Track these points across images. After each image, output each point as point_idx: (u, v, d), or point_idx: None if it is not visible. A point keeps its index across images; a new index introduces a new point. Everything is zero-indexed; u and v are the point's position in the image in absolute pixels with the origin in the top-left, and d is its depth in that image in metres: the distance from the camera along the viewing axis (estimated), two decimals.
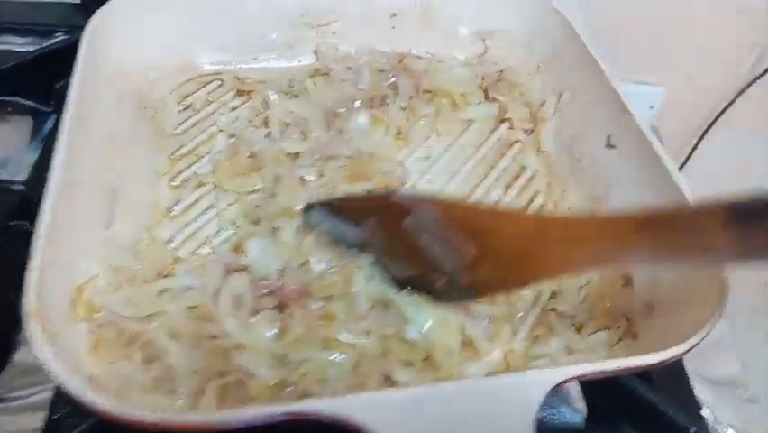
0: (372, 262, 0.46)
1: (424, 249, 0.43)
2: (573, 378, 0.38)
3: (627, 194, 0.54)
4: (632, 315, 0.49)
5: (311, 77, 0.66)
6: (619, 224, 0.39)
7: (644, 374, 0.50)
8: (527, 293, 0.50)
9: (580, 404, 0.50)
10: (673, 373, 0.52)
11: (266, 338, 0.44)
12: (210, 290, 0.47)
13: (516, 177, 0.60)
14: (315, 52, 0.69)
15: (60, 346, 0.37)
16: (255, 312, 0.46)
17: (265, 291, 0.47)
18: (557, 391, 0.40)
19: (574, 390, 0.51)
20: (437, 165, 0.61)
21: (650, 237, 0.37)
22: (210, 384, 0.41)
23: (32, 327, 0.37)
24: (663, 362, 0.40)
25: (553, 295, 0.51)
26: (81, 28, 0.73)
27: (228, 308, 0.46)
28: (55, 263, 0.42)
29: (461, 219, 0.43)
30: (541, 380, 0.36)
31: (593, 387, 0.50)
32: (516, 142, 0.63)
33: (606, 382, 0.46)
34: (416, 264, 0.44)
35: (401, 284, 0.45)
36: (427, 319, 0.45)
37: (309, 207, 0.50)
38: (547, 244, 0.41)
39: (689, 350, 0.40)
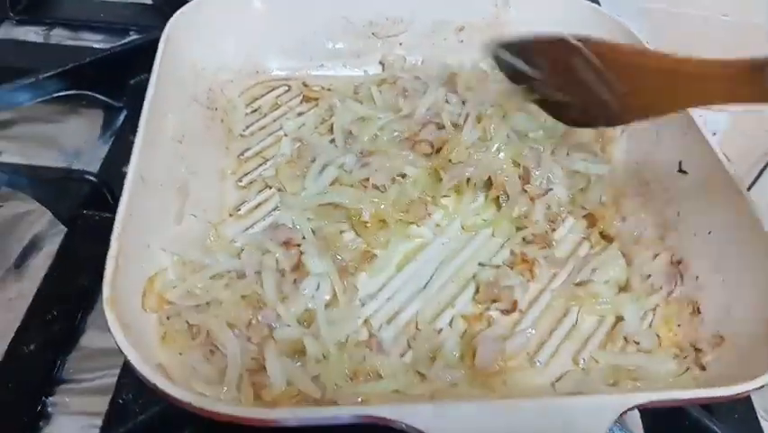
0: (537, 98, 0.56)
1: (587, 82, 0.51)
2: (643, 405, 0.37)
3: (698, 220, 0.53)
4: (700, 345, 0.47)
5: (377, 85, 0.66)
6: (740, 66, 0.44)
7: (708, 406, 0.48)
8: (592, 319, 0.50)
9: (638, 432, 0.49)
10: (740, 407, 0.50)
11: None
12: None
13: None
14: (381, 62, 0.69)
15: (134, 334, 0.38)
16: None
17: None
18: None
19: (632, 417, 0.49)
20: None
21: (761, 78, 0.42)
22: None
23: (109, 315, 0.38)
24: (735, 396, 0.39)
25: (619, 319, 0.50)
26: (153, 28, 0.76)
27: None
28: (130, 255, 0.43)
29: (617, 58, 0.50)
30: (611, 404, 0.35)
31: (652, 416, 0.49)
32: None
33: (669, 411, 0.45)
34: (578, 96, 0.53)
35: (561, 109, 0.56)
36: None
37: (498, 46, 0.56)
38: (682, 78, 0.47)
39: (762, 386, 0.39)
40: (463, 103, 0.62)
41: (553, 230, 0.57)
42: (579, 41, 0.51)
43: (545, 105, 0.57)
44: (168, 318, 0.44)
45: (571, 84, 0.53)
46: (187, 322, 0.45)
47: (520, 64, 0.55)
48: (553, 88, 0.55)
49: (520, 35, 0.57)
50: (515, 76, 0.56)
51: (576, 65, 0.51)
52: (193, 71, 0.61)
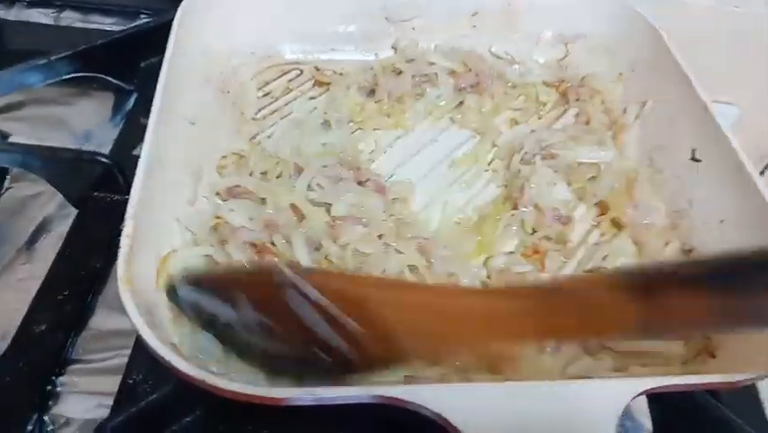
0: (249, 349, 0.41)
1: (309, 328, 0.38)
2: (657, 388, 0.37)
3: (710, 209, 0.53)
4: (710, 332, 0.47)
5: (392, 71, 0.66)
6: (515, 302, 0.37)
7: (714, 392, 0.48)
8: None
9: (646, 419, 0.49)
10: (746, 393, 0.50)
11: None
12: None
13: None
14: (394, 47, 0.69)
15: (147, 313, 0.38)
16: None
17: None
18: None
19: (640, 404, 0.50)
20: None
21: (547, 316, 0.36)
22: None
23: (124, 293, 0.38)
24: (744, 381, 0.39)
25: None
26: (164, 11, 0.76)
27: None
28: (143, 235, 0.43)
29: (346, 291, 0.40)
30: (625, 387, 0.36)
31: (659, 402, 0.49)
32: None
33: (676, 397, 0.45)
34: (301, 345, 0.40)
35: (284, 367, 0.41)
36: None
37: (177, 284, 0.43)
38: (445, 316, 0.38)
39: None
40: None
41: (564, 224, 0.55)
42: (292, 271, 0.39)
43: (253, 355, 0.41)
44: None
45: (284, 329, 0.39)
46: None
47: (207, 303, 0.41)
48: (258, 335, 0.40)
49: (205, 269, 0.46)
50: (202, 320, 0.42)
51: (290, 302, 0.38)
52: (205, 54, 0.61)
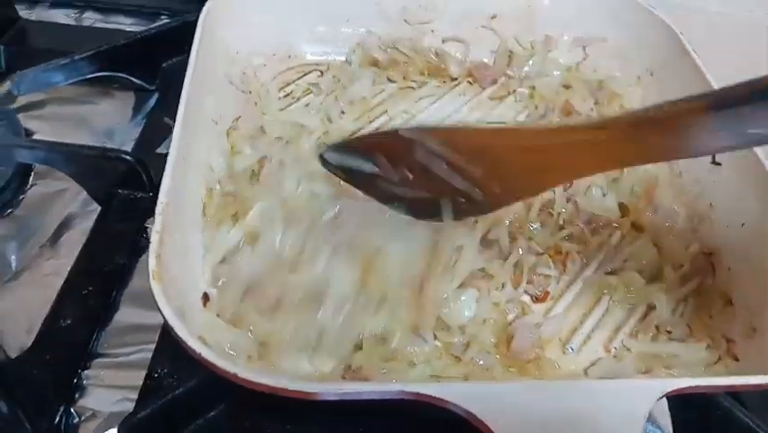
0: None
1: (435, 174, 0.45)
2: (685, 389, 0.37)
3: (732, 211, 0.53)
4: (733, 336, 0.47)
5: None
6: (612, 128, 0.39)
7: (737, 396, 0.48)
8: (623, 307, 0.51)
9: (666, 422, 0.49)
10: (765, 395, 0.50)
11: None
12: None
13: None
14: (412, 49, 0.70)
15: (175, 306, 0.39)
16: None
17: None
18: None
19: (661, 407, 0.50)
20: None
21: (641, 139, 0.38)
22: None
23: (155, 287, 0.38)
24: None
25: (650, 308, 0.50)
26: (184, 12, 0.77)
27: None
28: (171, 230, 0.43)
29: (465, 142, 0.45)
30: (652, 387, 0.36)
31: (680, 405, 0.49)
32: None
33: (697, 400, 0.45)
34: (431, 189, 0.47)
35: (418, 210, 0.48)
36: None
37: (325, 150, 0.50)
38: (548, 153, 0.42)
39: None
40: None
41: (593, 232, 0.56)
42: (416, 130, 0.45)
43: (393, 202, 0.49)
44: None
45: (417, 177, 0.46)
46: None
47: (352, 161, 0.48)
48: (397, 184, 0.47)
49: (347, 138, 0.53)
50: (351, 176, 0.50)
51: (419, 156, 0.45)
52: (227, 54, 0.61)
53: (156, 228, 0.41)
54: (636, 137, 0.38)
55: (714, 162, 0.55)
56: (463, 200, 0.46)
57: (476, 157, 0.44)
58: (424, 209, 0.48)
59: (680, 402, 0.48)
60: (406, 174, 0.46)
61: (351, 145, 0.49)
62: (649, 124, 0.37)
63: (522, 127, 0.49)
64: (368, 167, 0.47)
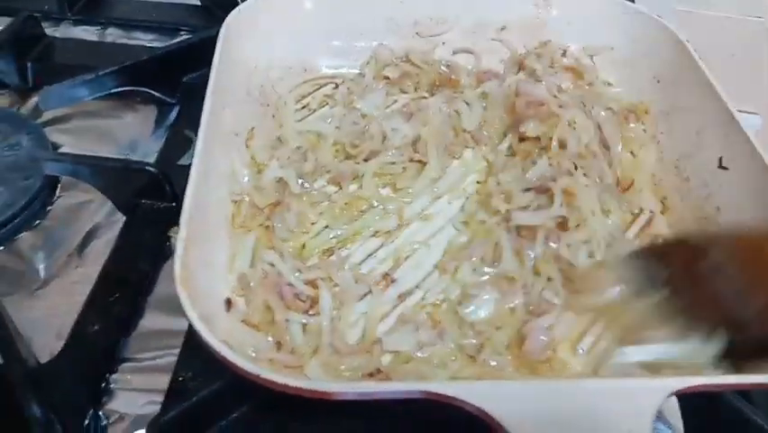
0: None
1: (719, 293, 0.39)
2: (690, 388, 0.38)
3: (738, 214, 0.54)
4: None
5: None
6: None
7: (747, 395, 0.49)
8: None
9: (677, 421, 0.50)
10: None
11: None
12: None
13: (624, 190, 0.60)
14: (423, 61, 0.71)
15: (202, 310, 0.40)
16: None
17: None
18: None
19: (671, 406, 0.50)
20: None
21: None
22: None
23: (181, 292, 0.40)
24: None
25: None
26: (203, 27, 0.79)
27: None
28: (195, 239, 0.45)
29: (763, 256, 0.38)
30: (661, 385, 0.37)
31: (691, 404, 0.50)
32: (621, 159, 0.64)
33: (707, 400, 0.46)
34: (713, 311, 0.40)
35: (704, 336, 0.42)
36: None
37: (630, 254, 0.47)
38: None
39: None
40: None
41: None
42: (710, 237, 0.41)
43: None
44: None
45: (702, 295, 0.40)
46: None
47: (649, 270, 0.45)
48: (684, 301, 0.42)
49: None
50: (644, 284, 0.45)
51: (705, 264, 0.40)
52: (246, 68, 0.63)
53: (181, 236, 0.43)
54: None
55: (721, 166, 0.56)
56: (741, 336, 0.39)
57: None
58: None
59: (691, 402, 0.49)
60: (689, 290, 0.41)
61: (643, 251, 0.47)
62: None
63: None
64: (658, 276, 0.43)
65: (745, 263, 0.38)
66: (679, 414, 0.50)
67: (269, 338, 0.46)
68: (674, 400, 0.50)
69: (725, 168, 0.56)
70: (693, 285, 0.40)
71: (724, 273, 0.39)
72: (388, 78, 0.69)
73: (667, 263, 0.43)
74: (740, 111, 1.10)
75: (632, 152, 0.64)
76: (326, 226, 0.56)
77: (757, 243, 0.40)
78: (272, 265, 0.50)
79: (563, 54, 0.71)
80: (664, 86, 0.66)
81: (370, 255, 0.55)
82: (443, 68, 0.70)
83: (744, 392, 0.48)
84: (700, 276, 0.40)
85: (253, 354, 0.44)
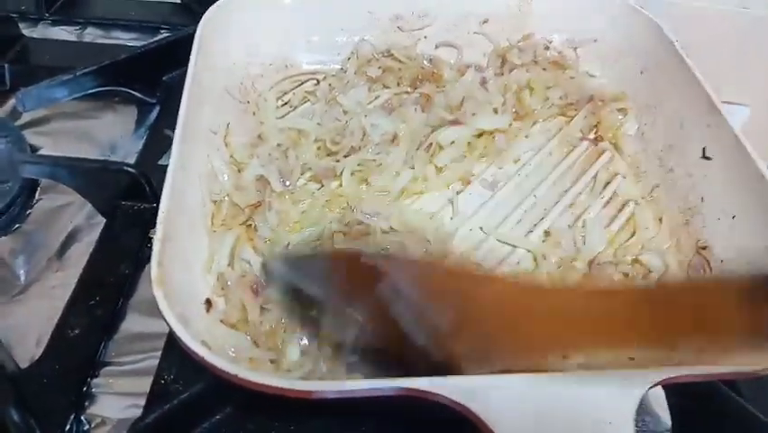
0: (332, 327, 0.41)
1: (396, 317, 0.37)
2: (674, 378, 0.38)
3: (722, 205, 0.54)
4: None
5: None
6: (621, 302, 0.36)
7: (732, 385, 0.49)
8: None
9: (665, 414, 0.50)
10: (763, 384, 0.51)
11: None
12: None
13: (606, 185, 0.60)
14: (406, 56, 0.71)
15: (178, 311, 0.40)
16: None
17: None
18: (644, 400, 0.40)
19: (659, 399, 0.50)
20: (525, 169, 0.62)
21: (650, 322, 0.34)
22: None
23: (157, 292, 0.39)
24: (761, 371, 0.40)
25: None
26: (183, 26, 0.78)
27: None
28: (172, 238, 0.44)
29: (441, 283, 0.39)
30: (642, 377, 0.37)
31: (678, 397, 0.49)
32: (605, 151, 0.64)
33: (695, 391, 0.46)
34: (386, 332, 0.39)
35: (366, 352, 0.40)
36: None
37: (271, 260, 0.46)
38: (537, 316, 0.36)
39: None
40: None
41: None
42: (386, 258, 0.39)
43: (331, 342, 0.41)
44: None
45: (371, 318, 0.38)
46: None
47: (300, 279, 0.43)
48: (345, 322, 0.40)
49: (299, 250, 0.47)
50: (294, 297, 0.43)
51: (380, 291, 0.37)
52: (225, 65, 0.63)
53: (158, 236, 0.43)
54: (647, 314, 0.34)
55: (704, 157, 0.56)
56: (415, 355, 0.37)
57: (450, 303, 0.36)
58: (369, 361, 0.40)
59: (678, 393, 0.49)
60: (358, 311, 0.39)
61: (303, 260, 0.44)
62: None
63: (513, 279, 0.41)
64: (314, 291, 0.41)
65: (424, 291, 0.37)
66: (666, 406, 0.50)
67: (248, 337, 0.45)
68: (661, 392, 0.50)
69: (708, 158, 0.56)
70: (365, 303, 0.39)
71: (402, 298, 0.37)
72: (370, 78, 0.68)
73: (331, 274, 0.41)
74: (727, 102, 1.11)
75: (615, 145, 0.64)
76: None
77: (438, 272, 0.40)
78: (250, 264, 0.49)
79: (547, 47, 0.71)
80: (648, 77, 0.66)
81: None
82: (425, 62, 0.70)
83: (730, 383, 0.48)
84: (372, 296, 0.38)
85: (233, 354, 0.43)
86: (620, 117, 0.66)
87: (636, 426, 0.50)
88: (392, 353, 0.39)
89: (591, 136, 0.65)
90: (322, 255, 0.47)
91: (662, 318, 0.34)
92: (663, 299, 0.35)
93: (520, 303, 0.37)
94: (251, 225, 0.53)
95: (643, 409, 0.49)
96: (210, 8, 0.63)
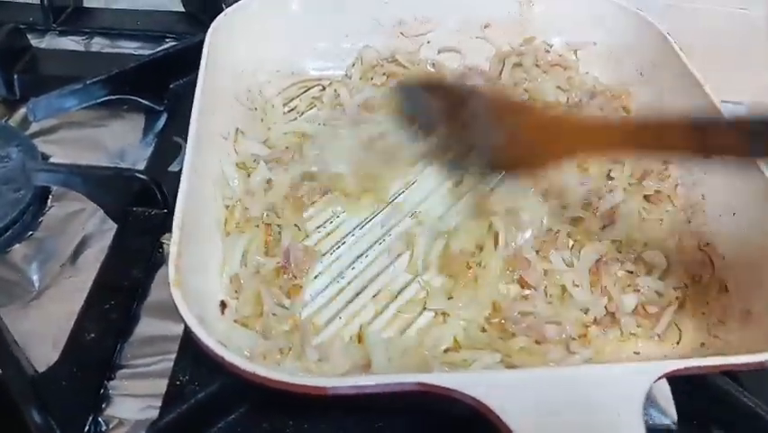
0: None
1: (472, 130, 0.54)
2: (678, 370, 0.39)
3: (723, 202, 0.55)
4: (727, 320, 0.49)
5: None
6: (611, 127, 0.51)
7: (735, 378, 0.50)
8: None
9: (670, 407, 0.51)
10: (765, 377, 0.52)
11: None
12: None
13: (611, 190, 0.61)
14: (409, 61, 0.72)
15: (196, 312, 0.41)
16: None
17: None
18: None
19: (664, 392, 0.51)
20: None
21: (633, 137, 0.47)
22: None
23: (175, 295, 0.40)
24: (763, 362, 0.41)
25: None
26: (188, 34, 0.79)
27: None
28: (187, 242, 0.45)
29: (500, 110, 0.55)
30: (649, 370, 0.38)
31: (683, 390, 0.50)
32: None
33: (698, 384, 0.47)
34: (465, 140, 0.56)
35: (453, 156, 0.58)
36: None
37: (402, 87, 0.62)
38: (558, 134, 0.51)
39: None
40: None
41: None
42: (469, 89, 0.57)
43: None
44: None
45: (464, 127, 0.55)
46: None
47: (419, 99, 0.59)
48: (446, 131, 0.57)
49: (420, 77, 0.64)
50: (413, 116, 0.59)
51: (469, 110, 0.54)
52: (233, 72, 0.64)
53: (174, 240, 0.43)
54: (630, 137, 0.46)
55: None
56: (491, 155, 0.54)
57: (505, 123, 0.53)
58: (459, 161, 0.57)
59: (683, 387, 0.50)
60: (449, 123, 0.55)
61: (422, 85, 0.60)
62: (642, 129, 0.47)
63: (544, 111, 0.58)
64: (424, 116, 0.57)
65: (490, 114, 0.54)
66: (671, 398, 0.51)
67: (258, 330, 0.46)
68: (666, 385, 0.51)
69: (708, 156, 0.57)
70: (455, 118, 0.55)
71: (477, 118, 0.54)
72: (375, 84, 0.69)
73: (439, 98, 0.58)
74: (726, 101, 1.12)
75: None
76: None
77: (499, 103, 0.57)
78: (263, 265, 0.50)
79: (547, 50, 0.72)
80: (647, 78, 0.67)
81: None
82: (429, 67, 0.71)
83: (733, 376, 0.49)
84: (460, 115, 0.55)
85: (248, 355, 0.44)
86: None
87: (642, 418, 0.51)
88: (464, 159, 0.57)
89: None
90: (437, 83, 0.64)
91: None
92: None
93: (549, 126, 0.52)
94: (269, 223, 0.55)
95: (648, 402, 0.50)
96: (218, 17, 0.64)
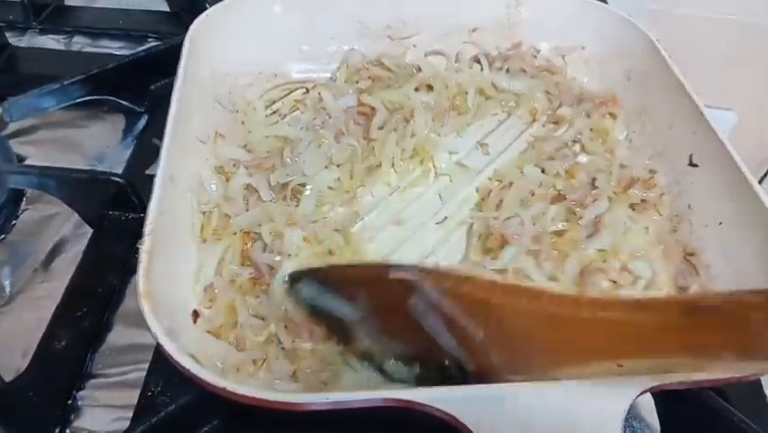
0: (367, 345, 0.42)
1: (428, 332, 0.38)
2: (661, 386, 0.38)
3: (709, 211, 0.54)
4: None
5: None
6: (662, 312, 0.36)
7: (720, 391, 0.49)
8: None
9: (653, 420, 0.50)
10: (750, 391, 0.51)
11: None
12: None
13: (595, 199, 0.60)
14: (395, 65, 0.71)
15: (166, 324, 0.40)
16: None
17: None
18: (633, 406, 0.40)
19: (646, 405, 0.50)
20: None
21: (694, 328, 0.33)
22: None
23: (144, 305, 0.39)
24: (746, 377, 0.40)
25: None
26: (171, 34, 0.78)
27: None
28: (160, 250, 0.44)
29: (471, 296, 0.39)
30: (630, 386, 0.37)
31: (666, 403, 0.50)
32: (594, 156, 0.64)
33: (683, 398, 0.46)
34: (419, 346, 0.40)
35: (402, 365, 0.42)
36: None
37: (296, 277, 0.45)
38: (567, 328, 0.36)
39: None
40: None
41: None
42: (415, 270, 0.39)
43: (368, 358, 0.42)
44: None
45: (404, 331, 0.39)
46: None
47: (329, 301, 0.42)
48: (379, 335, 0.41)
49: (325, 266, 0.47)
50: (323, 315, 0.44)
51: (412, 305, 0.38)
52: (213, 75, 0.63)
53: (145, 248, 0.42)
54: (688, 325, 0.33)
55: (691, 164, 0.57)
56: (449, 369, 0.39)
57: (482, 317, 0.37)
58: (396, 370, 0.41)
59: (667, 401, 0.49)
60: (390, 325, 0.40)
61: (330, 279, 0.44)
62: (707, 313, 0.34)
63: (550, 291, 0.41)
64: (345, 310, 0.41)
65: (454, 305, 0.38)
66: (655, 412, 0.50)
67: (232, 340, 0.45)
68: (650, 398, 0.50)
69: (695, 165, 0.56)
70: (397, 318, 0.39)
71: (432, 312, 0.38)
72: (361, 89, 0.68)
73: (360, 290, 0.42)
74: (715, 108, 1.12)
75: (605, 150, 0.64)
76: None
77: (468, 285, 0.40)
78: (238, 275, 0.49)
79: (535, 55, 0.72)
80: (635, 84, 0.67)
81: None
82: (414, 71, 0.70)
83: (719, 390, 0.49)
84: (403, 311, 0.38)
85: (221, 366, 0.43)
86: (610, 122, 0.66)
87: (625, 432, 0.50)
88: (427, 363, 0.40)
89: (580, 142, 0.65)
90: (350, 272, 0.46)
91: (690, 332, 0.34)
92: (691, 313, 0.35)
93: (548, 313, 0.37)
94: (248, 232, 0.53)
95: (632, 416, 0.49)
96: (198, 17, 0.63)
